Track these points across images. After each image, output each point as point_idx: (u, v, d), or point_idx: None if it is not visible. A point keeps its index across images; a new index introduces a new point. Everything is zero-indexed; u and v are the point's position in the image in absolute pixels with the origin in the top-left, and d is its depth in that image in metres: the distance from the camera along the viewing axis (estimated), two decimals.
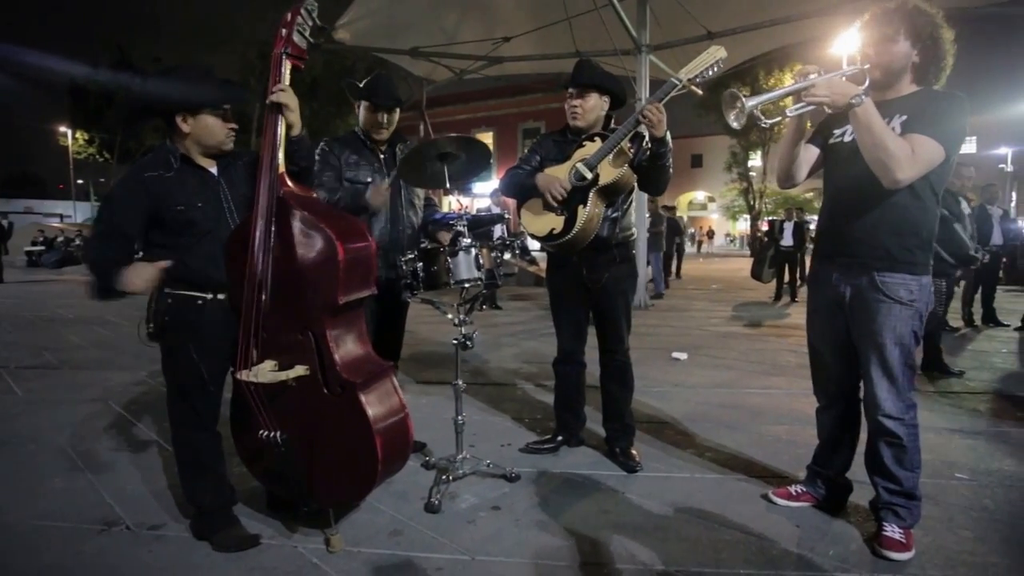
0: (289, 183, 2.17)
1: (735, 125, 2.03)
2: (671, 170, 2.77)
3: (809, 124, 2.32)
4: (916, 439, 2.20)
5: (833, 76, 2.03)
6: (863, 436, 2.35)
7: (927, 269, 2.16)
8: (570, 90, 2.91)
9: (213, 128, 2.17)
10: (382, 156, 2.97)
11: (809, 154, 2.35)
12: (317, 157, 2.82)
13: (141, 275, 2.05)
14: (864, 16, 2.16)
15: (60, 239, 23.50)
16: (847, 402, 2.42)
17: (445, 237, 2.93)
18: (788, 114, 2.07)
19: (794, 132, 2.24)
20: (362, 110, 2.94)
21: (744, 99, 1.96)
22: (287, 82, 2.14)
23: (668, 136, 2.63)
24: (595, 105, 2.90)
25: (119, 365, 5.31)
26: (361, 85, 2.95)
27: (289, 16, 2.13)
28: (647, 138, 2.77)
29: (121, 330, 7.29)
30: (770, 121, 2.05)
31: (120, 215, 2.12)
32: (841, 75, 2.06)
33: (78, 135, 33.13)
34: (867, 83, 2.05)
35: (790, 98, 2.08)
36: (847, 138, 2.21)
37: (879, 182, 2.03)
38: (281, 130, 2.15)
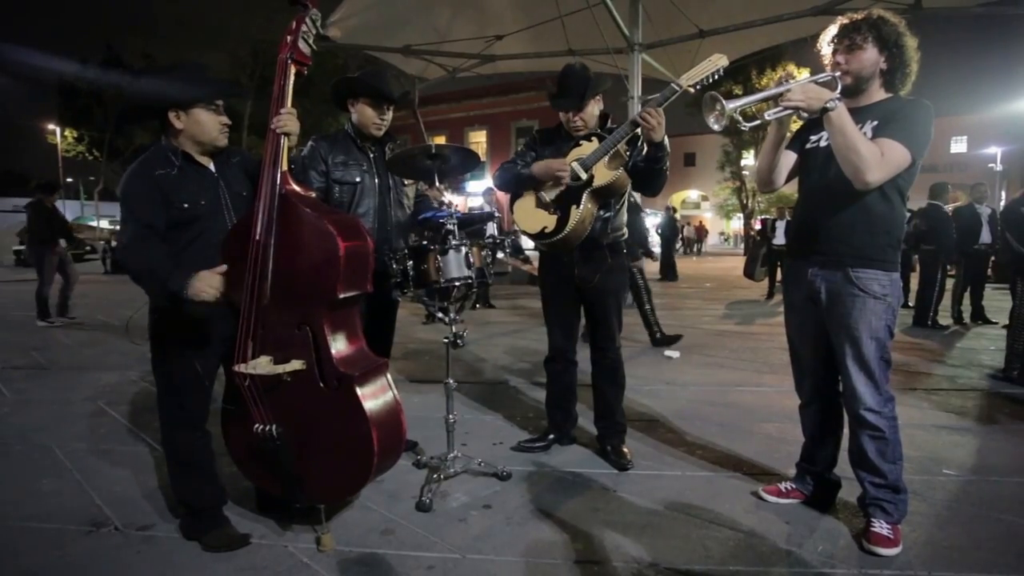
0: (291, 181, 2.19)
1: (715, 127, 2.10)
2: (667, 172, 2.78)
3: (792, 126, 2.36)
4: (896, 431, 2.24)
5: (808, 82, 2.11)
6: (847, 431, 2.38)
7: (896, 266, 2.24)
8: (570, 110, 2.85)
9: (206, 123, 2.19)
10: (372, 155, 2.96)
11: (788, 159, 2.41)
12: (304, 153, 2.83)
13: (212, 284, 2.03)
14: (831, 27, 2.24)
15: None
16: (828, 398, 2.46)
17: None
18: (767, 117, 2.14)
19: (775, 138, 2.31)
20: (361, 105, 2.90)
21: (724, 102, 2.01)
22: (291, 85, 2.20)
23: (666, 141, 2.64)
24: (592, 110, 2.90)
25: (108, 365, 5.27)
26: (359, 78, 2.92)
27: (295, 24, 2.20)
28: (642, 140, 2.78)
29: (111, 330, 7.24)
30: (749, 124, 2.10)
31: (147, 211, 2.11)
32: (815, 81, 2.14)
33: (67, 133, 32.81)
34: (839, 89, 2.14)
35: (768, 102, 2.13)
36: (823, 143, 2.28)
37: (851, 185, 2.11)
38: (284, 142, 2.19)
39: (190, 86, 2.17)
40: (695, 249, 30.53)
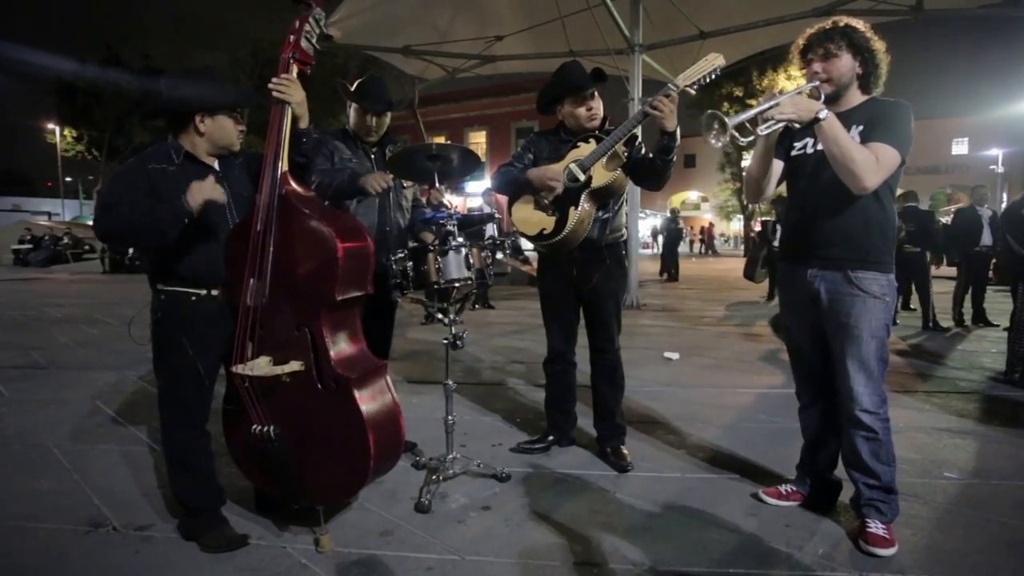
0: (291, 182, 2.19)
1: (717, 145, 2.12)
2: (673, 165, 2.77)
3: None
4: (889, 432, 2.26)
5: (794, 94, 2.16)
6: None
7: (892, 267, 2.27)
8: (588, 92, 2.85)
9: (227, 129, 2.23)
10: (372, 156, 2.96)
11: (775, 167, 2.43)
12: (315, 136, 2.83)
13: (203, 189, 2.06)
14: (801, 39, 2.30)
15: (48, 237, 23.28)
16: (828, 399, 2.45)
17: (429, 236, 2.93)
18: (759, 132, 2.16)
19: (764, 147, 2.33)
20: (352, 112, 2.94)
21: (725, 120, 2.04)
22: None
23: (678, 131, 2.63)
24: (600, 101, 2.90)
25: (107, 365, 5.27)
26: (353, 87, 2.94)
27: (298, 23, 2.21)
28: (640, 140, 2.78)
29: (109, 329, 7.24)
30: (745, 140, 2.12)
31: (124, 189, 2.12)
32: (799, 92, 2.19)
33: (66, 132, 32.84)
34: (822, 98, 2.19)
35: (760, 117, 2.16)
36: (809, 150, 2.33)
37: (845, 189, 2.14)
38: (286, 127, 2.19)
39: (223, 92, 2.24)
40: (708, 251, 31.74)
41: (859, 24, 2.26)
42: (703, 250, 32.28)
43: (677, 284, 13.88)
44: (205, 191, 2.07)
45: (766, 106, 2.11)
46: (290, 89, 2.15)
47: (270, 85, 2.16)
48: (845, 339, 2.24)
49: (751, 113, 2.11)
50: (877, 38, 2.25)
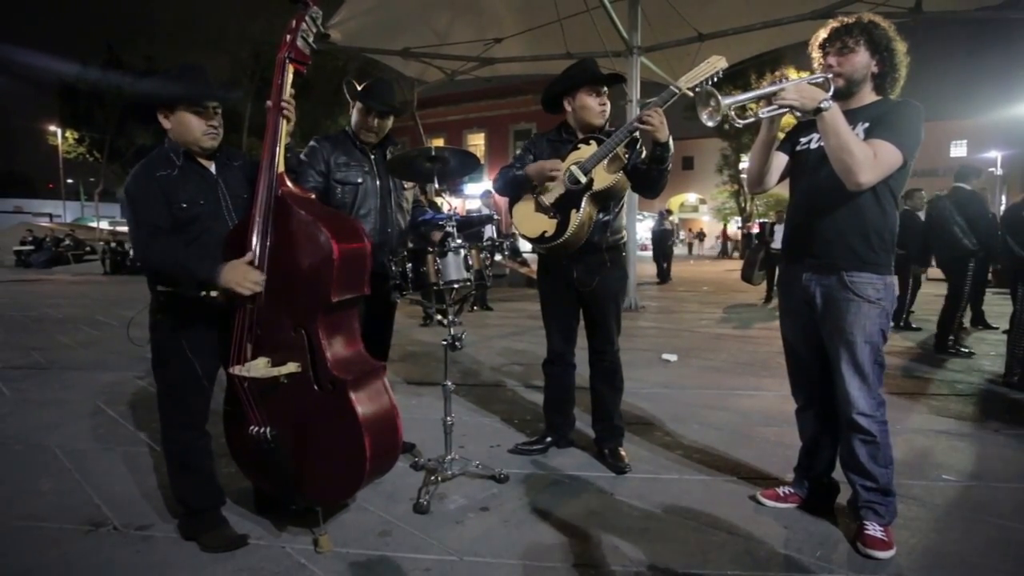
0: (288, 183, 2.20)
1: (709, 123, 2.09)
2: (668, 174, 2.79)
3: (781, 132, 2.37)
4: (887, 435, 2.25)
5: (801, 82, 2.12)
6: None
7: (890, 270, 2.24)
8: (602, 89, 2.86)
9: (190, 124, 2.20)
10: (373, 158, 2.97)
11: (779, 160, 2.42)
12: (304, 156, 2.84)
13: (248, 276, 2.07)
14: (822, 31, 2.26)
15: (49, 239, 23.31)
16: (825, 401, 2.45)
17: (437, 235, 2.94)
18: (760, 115, 2.14)
19: (765, 138, 2.31)
20: (355, 111, 2.95)
21: (720, 98, 2.02)
22: (289, 84, 2.21)
23: (670, 140, 2.64)
24: (609, 103, 2.92)
25: (108, 365, 5.27)
26: (360, 88, 2.95)
27: (294, 23, 2.21)
28: (640, 143, 2.79)
29: (110, 330, 7.25)
30: (743, 122, 2.11)
31: (152, 212, 2.13)
32: (808, 82, 2.15)
33: (68, 134, 32.89)
34: (831, 91, 2.14)
35: (762, 101, 2.14)
36: (813, 145, 2.29)
37: (843, 187, 2.11)
38: (282, 131, 2.21)
39: (173, 87, 2.19)
40: (734, 252, 32.81)
41: (882, 22, 2.21)
42: (731, 250, 33.27)
43: (675, 286, 13.87)
44: (241, 281, 2.06)
45: (769, 90, 2.08)
46: (293, 110, 2.23)
47: (283, 113, 2.19)
48: (840, 343, 2.23)
49: (751, 95, 2.09)
50: (899, 39, 2.20)
